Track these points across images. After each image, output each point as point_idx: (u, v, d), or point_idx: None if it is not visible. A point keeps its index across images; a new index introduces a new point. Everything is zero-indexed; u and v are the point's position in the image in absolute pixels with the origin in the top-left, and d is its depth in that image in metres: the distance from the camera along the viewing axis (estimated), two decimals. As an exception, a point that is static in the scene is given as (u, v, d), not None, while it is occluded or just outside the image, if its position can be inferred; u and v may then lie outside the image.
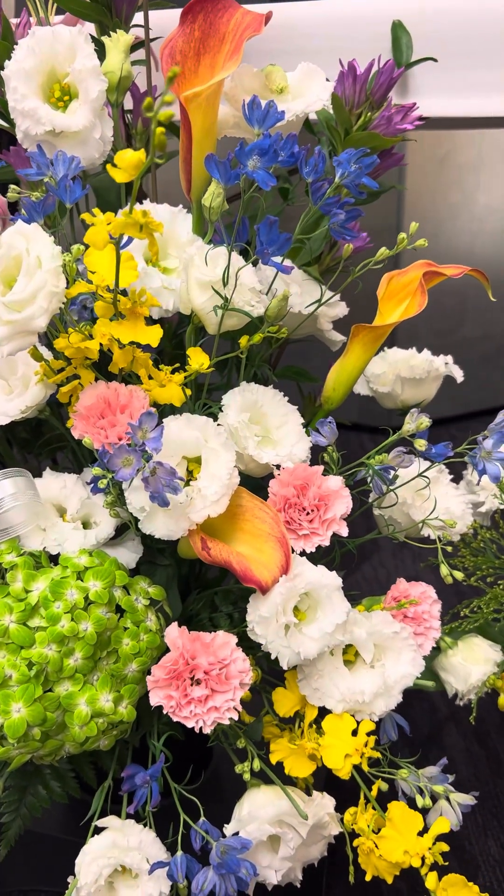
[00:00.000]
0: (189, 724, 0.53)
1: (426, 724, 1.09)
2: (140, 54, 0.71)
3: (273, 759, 0.59)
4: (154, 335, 0.54)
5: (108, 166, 0.42)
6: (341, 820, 0.59)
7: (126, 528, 0.65)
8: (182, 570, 0.74)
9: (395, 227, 1.62)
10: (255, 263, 0.62)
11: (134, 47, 0.68)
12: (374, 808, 0.56)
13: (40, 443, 0.79)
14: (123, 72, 0.63)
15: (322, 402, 0.69)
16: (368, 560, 1.51)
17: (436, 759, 0.62)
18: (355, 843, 0.55)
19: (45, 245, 0.51)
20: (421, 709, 1.11)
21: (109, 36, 0.63)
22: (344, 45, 0.78)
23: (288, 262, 0.60)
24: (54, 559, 0.61)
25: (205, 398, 0.64)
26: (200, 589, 0.78)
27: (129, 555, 0.64)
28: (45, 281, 0.50)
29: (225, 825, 0.56)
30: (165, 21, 0.72)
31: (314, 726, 0.59)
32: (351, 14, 0.80)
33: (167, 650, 0.62)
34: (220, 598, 0.75)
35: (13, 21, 0.70)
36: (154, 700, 0.54)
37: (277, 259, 0.56)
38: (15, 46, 0.66)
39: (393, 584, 0.64)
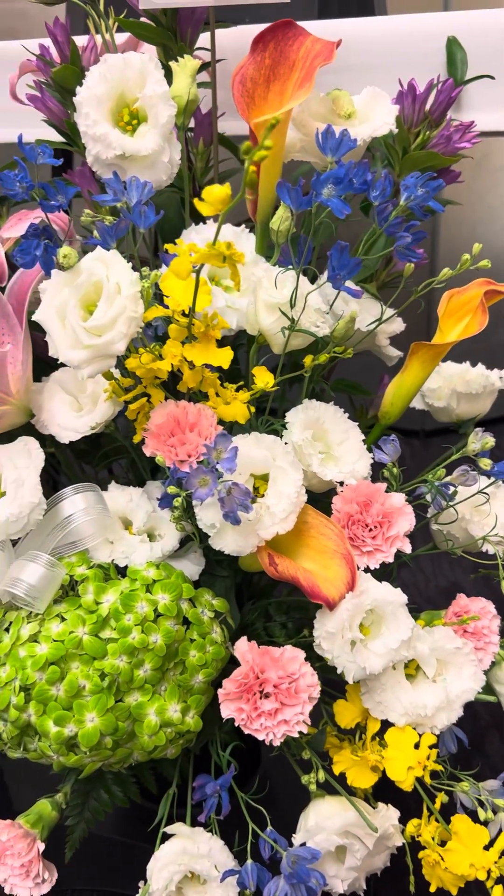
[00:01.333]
0: (260, 737, 0.55)
1: (468, 731, 1.10)
2: (201, 76, 0.73)
3: (336, 770, 0.61)
4: (225, 357, 0.56)
5: (196, 200, 0.44)
6: (402, 831, 0.60)
7: (187, 539, 0.66)
8: (236, 579, 0.75)
9: (431, 231, 1.62)
10: (313, 280, 0.63)
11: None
12: (437, 821, 0.57)
13: (100, 455, 0.81)
14: (190, 96, 0.64)
15: (380, 417, 0.70)
16: (406, 565, 1.51)
17: (478, 767, 0.63)
18: (420, 854, 0.56)
19: (124, 271, 0.52)
20: (462, 717, 1.11)
21: (177, 60, 0.65)
22: (397, 61, 0.79)
23: (350, 283, 0.61)
24: (121, 571, 0.63)
25: (267, 415, 0.65)
26: (254, 599, 0.79)
27: (192, 567, 0.65)
28: (125, 307, 0.52)
29: (293, 835, 0.58)
30: (225, 41, 0.74)
31: (377, 739, 0.60)
32: (404, 30, 0.80)
33: (230, 661, 0.64)
34: (273, 607, 0.76)
35: (79, 43, 0.71)
36: (225, 713, 0.55)
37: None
38: (83, 69, 0.68)
39: (454, 599, 0.65)
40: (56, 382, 0.66)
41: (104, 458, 0.82)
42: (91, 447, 0.83)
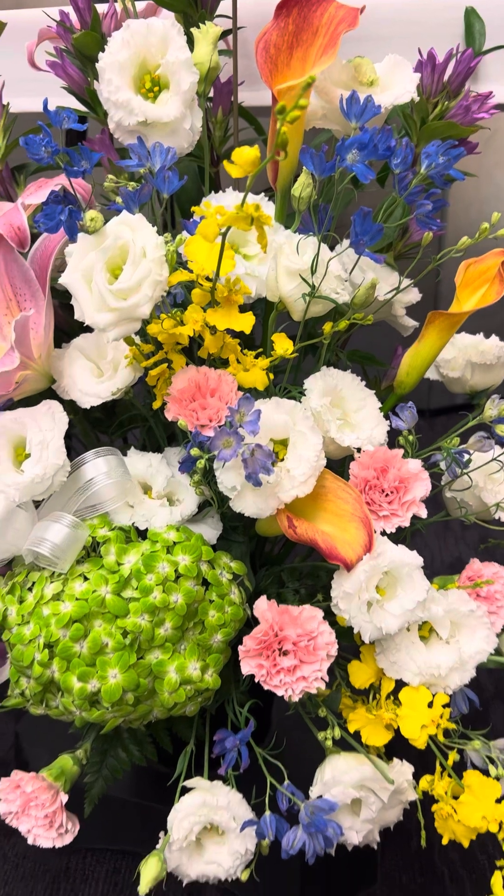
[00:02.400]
0: (279, 693, 0.56)
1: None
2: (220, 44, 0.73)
3: (351, 729, 0.62)
4: (247, 322, 0.57)
5: (225, 162, 0.44)
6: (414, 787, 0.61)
7: (205, 505, 0.68)
8: (250, 546, 0.76)
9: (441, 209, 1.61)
10: (331, 248, 0.64)
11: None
12: (449, 776, 0.58)
13: (115, 423, 0.81)
14: (212, 63, 0.64)
15: (395, 386, 0.71)
16: (412, 541, 1.53)
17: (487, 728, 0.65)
18: (434, 808, 0.58)
19: (150, 235, 0.53)
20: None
21: (198, 27, 0.65)
22: (414, 31, 0.79)
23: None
24: (141, 534, 0.64)
25: (285, 383, 0.66)
26: (266, 566, 0.81)
27: (210, 531, 0.66)
28: (150, 270, 0.52)
29: (309, 789, 0.59)
30: (245, 9, 0.74)
31: (391, 698, 0.62)
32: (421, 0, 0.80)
33: (247, 623, 0.65)
34: (286, 574, 0.78)
35: (99, 10, 0.71)
36: (245, 669, 0.57)
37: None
38: (103, 35, 0.69)
39: (467, 565, 0.66)
40: (76, 349, 0.67)
41: (119, 427, 0.83)
42: (106, 416, 0.84)
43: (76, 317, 0.55)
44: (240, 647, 0.58)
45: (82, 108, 0.75)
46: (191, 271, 0.55)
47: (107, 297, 0.52)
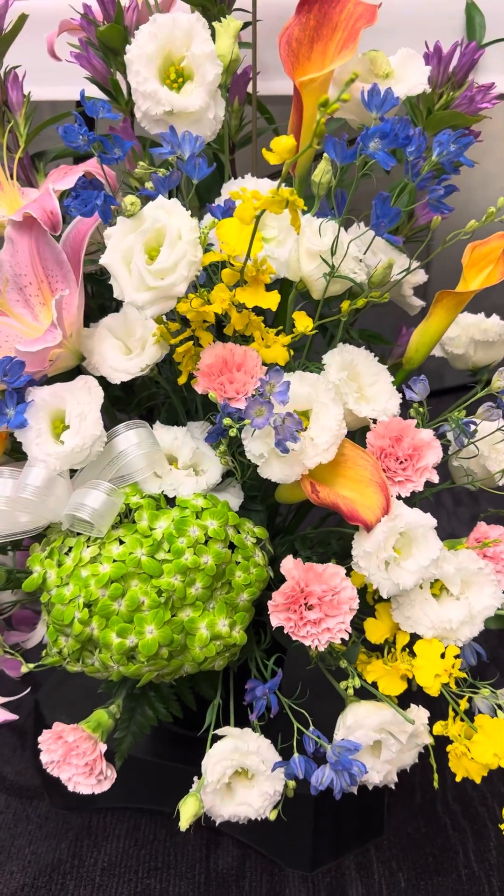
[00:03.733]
0: (306, 643, 0.60)
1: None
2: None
3: (369, 679, 0.67)
4: (273, 300, 0.61)
5: (263, 150, 0.48)
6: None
7: (227, 475, 0.72)
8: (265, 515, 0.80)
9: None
10: (346, 229, 0.68)
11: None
12: (462, 721, 0.63)
13: (136, 401, 0.85)
14: (233, 56, 0.68)
15: (404, 362, 0.76)
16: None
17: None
18: (448, 748, 0.63)
19: (185, 218, 0.57)
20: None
21: (220, 20, 0.68)
22: (416, 24, 0.83)
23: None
24: (170, 502, 0.68)
25: (304, 359, 0.71)
26: (280, 534, 0.85)
27: (233, 500, 0.71)
28: (186, 251, 0.56)
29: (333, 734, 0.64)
30: (262, 2, 0.77)
31: (406, 651, 0.66)
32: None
33: (269, 585, 0.70)
34: (299, 542, 0.82)
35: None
36: (275, 622, 0.61)
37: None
38: (126, 28, 0.72)
39: (474, 527, 0.71)
40: (105, 327, 0.70)
41: (138, 405, 0.87)
42: (125, 394, 0.88)
43: (115, 295, 0.59)
44: (269, 602, 0.62)
45: (102, 96, 0.78)
46: (221, 252, 0.59)
47: (146, 277, 0.56)
